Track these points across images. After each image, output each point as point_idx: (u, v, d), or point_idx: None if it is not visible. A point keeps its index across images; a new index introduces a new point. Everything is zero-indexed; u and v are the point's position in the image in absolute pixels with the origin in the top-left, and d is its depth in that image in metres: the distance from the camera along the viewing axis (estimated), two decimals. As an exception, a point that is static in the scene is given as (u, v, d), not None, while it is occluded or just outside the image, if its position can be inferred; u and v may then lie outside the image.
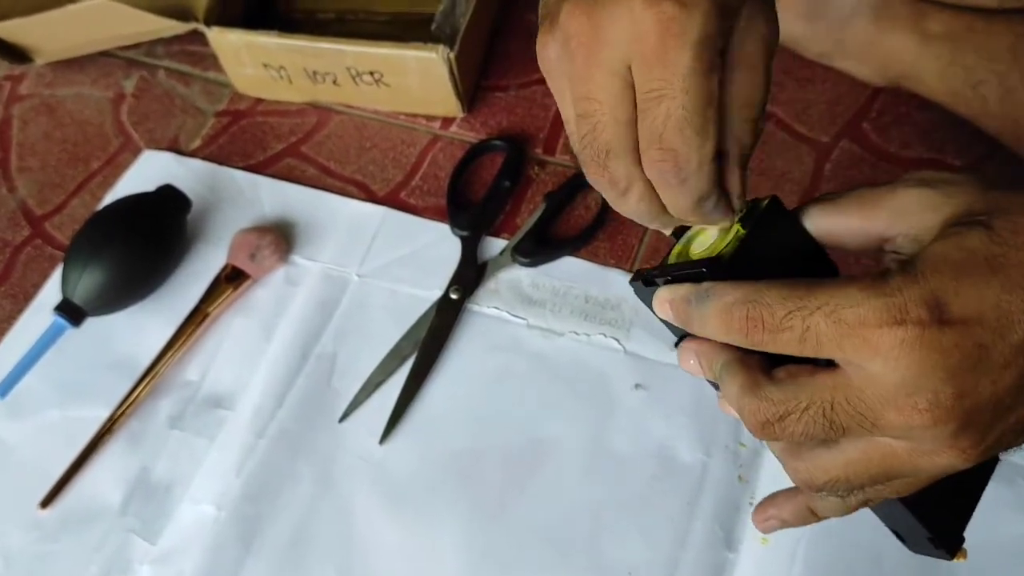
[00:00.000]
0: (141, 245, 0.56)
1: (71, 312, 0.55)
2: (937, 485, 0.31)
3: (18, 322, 0.59)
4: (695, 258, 0.34)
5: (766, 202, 0.33)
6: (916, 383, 0.27)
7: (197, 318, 0.56)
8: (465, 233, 0.59)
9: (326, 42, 0.62)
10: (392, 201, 0.62)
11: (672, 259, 0.35)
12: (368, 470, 0.52)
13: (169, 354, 0.55)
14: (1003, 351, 0.27)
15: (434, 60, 0.61)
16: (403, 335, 0.56)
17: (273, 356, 0.56)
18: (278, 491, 0.51)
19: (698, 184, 0.31)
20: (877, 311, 0.27)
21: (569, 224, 0.60)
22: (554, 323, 0.56)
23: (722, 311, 0.30)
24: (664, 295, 0.33)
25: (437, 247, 0.59)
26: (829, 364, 0.29)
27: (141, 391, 0.55)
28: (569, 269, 0.58)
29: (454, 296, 0.57)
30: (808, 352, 0.28)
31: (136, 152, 0.67)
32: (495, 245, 0.59)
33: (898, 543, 0.36)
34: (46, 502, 0.52)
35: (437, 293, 0.57)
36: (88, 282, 0.55)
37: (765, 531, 0.37)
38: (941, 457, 0.28)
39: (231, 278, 0.58)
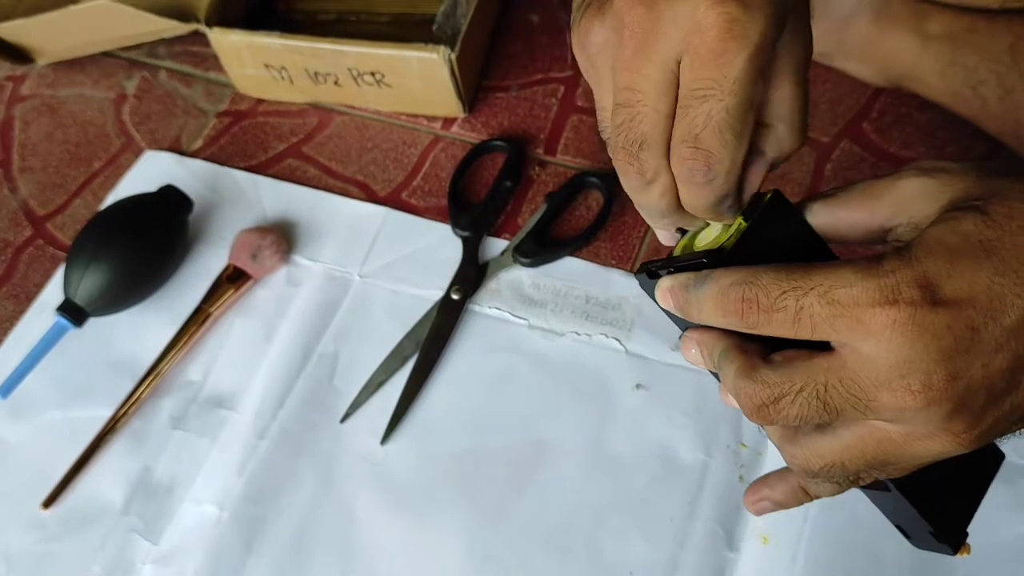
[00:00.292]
0: (143, 246, 0.57)
1: (73, 312, 0.55)
2: (941, 479, 0.31)
3: (20, 322, 0.59)
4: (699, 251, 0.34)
5: (768, 196, 0.33)
6: (909, 364, 0.27)
7: (199, 318, 0.57)
8: (466, 233, 0.59)
9: (327, 43, 0.62)
10: (393, 201, 0.62)
11: (677, 252, 0.36)
12: (369, 470, 0.52)
13: (171, 354, 0.56)
14: (995, 334, 0.27)
15: (435, 61, 0.61)
16: (404, 335, 0.56)
17: (275, 356, 0.56)
18: (280, 491, 0.52)
19: (723, 185, 0.31)
20: (870, 291, 0.27)
21: (570, 224, 0.60)
22: (555, 323, 0.56)
23: (718, 293, 0.30)
24: (665, 284, 0.33)
25: (438, 247, 0.59)
26: (827, 349, 0.29)
27: (143, 391, 0.55)
28: (570, 269, 0.58)
29: (455, 296, 0.57)
30: (803, 333, 0.28)
31: (138, 152, 0.67)
32: (496, 245, 0.59)
33: (898, 542, 0.36)
34: (48, 502, 0.52)
35: (438, 293, 0.57)
36: (90, 282, 0.55)
37: (757, 513, 0.37)
38: (935, 442, 0.28)
39: (232, 278, 0.58)
